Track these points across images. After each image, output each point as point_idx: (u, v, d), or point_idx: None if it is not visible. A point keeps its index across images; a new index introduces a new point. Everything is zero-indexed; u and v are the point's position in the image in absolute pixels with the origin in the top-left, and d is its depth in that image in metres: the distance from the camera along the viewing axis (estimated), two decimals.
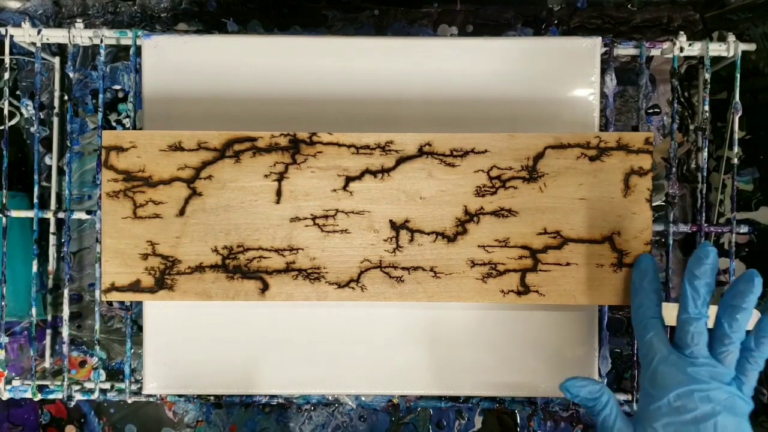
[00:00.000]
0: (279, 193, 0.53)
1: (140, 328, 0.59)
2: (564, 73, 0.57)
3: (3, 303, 0.59)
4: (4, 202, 0.59)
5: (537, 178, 0.53)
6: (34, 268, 0.59)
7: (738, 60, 0.58)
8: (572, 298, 0.53)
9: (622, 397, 0.59)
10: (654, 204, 0.55)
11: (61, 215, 0.60)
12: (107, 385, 0.61)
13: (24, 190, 0.67)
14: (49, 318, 0.68)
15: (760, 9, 0.63)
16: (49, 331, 0.67)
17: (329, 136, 0.53)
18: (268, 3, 0.68)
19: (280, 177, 0.53)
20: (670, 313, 0.55)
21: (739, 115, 0.59)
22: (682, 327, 0.46)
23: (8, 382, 0.60)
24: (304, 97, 0.57)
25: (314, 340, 0.57)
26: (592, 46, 0.57)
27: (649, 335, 0.47)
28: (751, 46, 0.59)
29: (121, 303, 0.67)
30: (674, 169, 0.58)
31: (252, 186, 0.53)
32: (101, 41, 0.59)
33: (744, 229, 0.59)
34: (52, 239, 0.66)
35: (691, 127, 0.67)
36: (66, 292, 0.59)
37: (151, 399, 0.60)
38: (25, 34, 0.59)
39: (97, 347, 0.60)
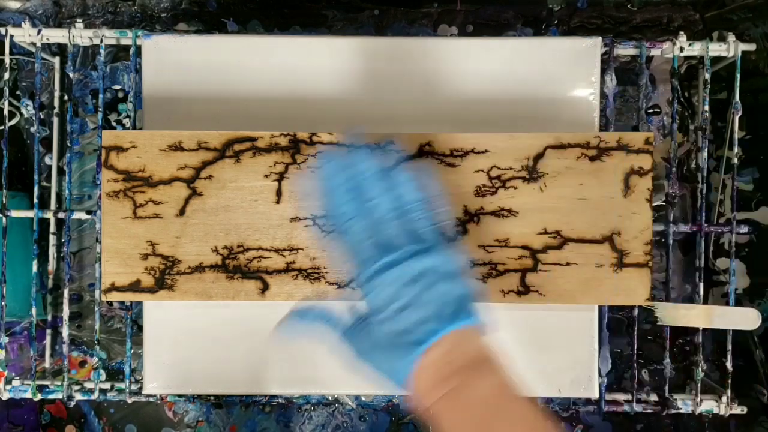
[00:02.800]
0: (279, 193, 0.53)
1: (140, 328, 0.59)
2: (564, 73, 0.57)
3: (3, 303, 0.59)
4: (4, 202, 0.59)
5: (537, 178, 0.53)
6: (34, 268, 0.59)
7: (738, 60, 0.58)
8: (572, 298, 0.53)
9: (622, 397, 0.59)
10: (654, 204, 0.55)
11: (61, 215, 0.60)
12: (107, 385, 0.61)
13: (24, 190, 0.67)
14: (49, 318, 0.68)
15: (760, 9, 0.63)
16: (49, 331, 0.67)
17: (329, 136, 0.53)
18: (268, 3, 0.68)
19: (280, 177, 0.53)
20: (669, 313, 0.55)
21: (739, 115, 0.59)
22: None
23: (8, 382, 0.60)
24: (304, 97, 0.57)
25: (314, 340, 0.57)
26: (592, 46, 0.57)
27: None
28: (751, 46, 0.59)
29: (121, 303, 0.67)
30: (674, 169, 0.58)
31: (252, 186, 0.53)
32: (101, 41, 0.59)
33: (744, 229, 0.59)
34: (52, 239, 0.66)
35: (691, 127, 0.67)
36: (66, 292, 0.59)
37: (151, 399, 0.60)
38: (25, 34, 0.59)
39: (97, 347, 0.60)
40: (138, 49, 0.58)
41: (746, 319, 0.54)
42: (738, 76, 0.58)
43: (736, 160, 0.59)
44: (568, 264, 0.53)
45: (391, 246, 0.40)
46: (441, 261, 0.40)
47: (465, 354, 0.39)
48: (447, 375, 0.38)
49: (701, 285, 0.59)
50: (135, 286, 0.53)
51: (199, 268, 0.53)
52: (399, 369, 0.39)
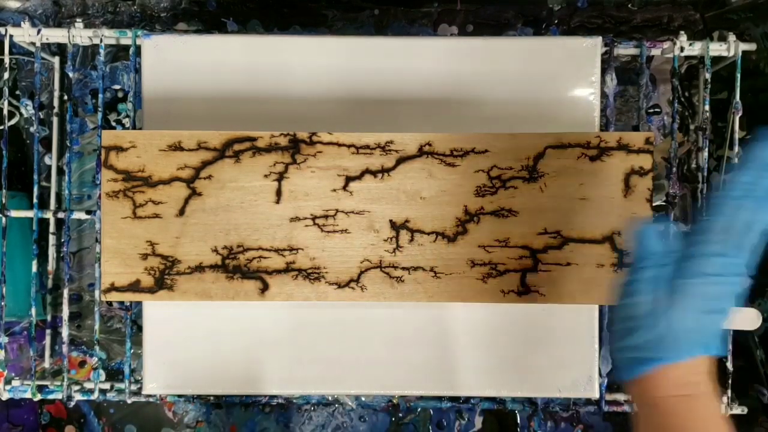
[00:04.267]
0: (279, 193, 0.53)
1: (140, 328, 0.59)
2: (564, 73, 0.57)
3: (3, 303, 0.59)
4: (3, 202, 0.59)
5: (537, 178, 0.52)
6: (34, 268, 0.59)
7: (738, 60, 0.58)
8: (572, 298, 0.53)
9: (622, 397, 0.59)
10: (654, 204, 0.55)
11: (60, 215, 0.60)
12: (107, 386, 0.61)
13: (24, 190, 0.67)
14: (49, 318, 0.68)
15: (760, 9, 0.63)
16: (48, 331, 0.67)
17: (329, 136, 0.52)
18: (268, 3, 0.68)
19: (280, 177, 0.52)
20: None
21: (740, 114, 0.59)
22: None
23: (8, 382, 0.60)
24: (304, 97, 0.57)
25: (314, 340, 0.57)
26: (593, 45, 0.57)
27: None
28: (752, 46, 0.59)
29: (121, 303, 0.67)
30: (675, 169, 0.58)
31: (252, 186, 0.52)
32: (101, 41, 0.59)
33: None
34: (52, 239, 0.66)
35: (692, 126, 0.67)
36: (66, 292, 0.59)
37: (151, 399, 0.60)
38: (24, 34, 0.59)
39: (97, 347, 0.60)
40: (138, 48, 0.58)
41: (747, 319, 0.54)
42: (738, 75, 0.58)
43: (736, 160, 0.59)
44: (568, 264, 0.53)
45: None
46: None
47: (703, 375, 0.39)
48: (688, 384, 0.38)
49: None
50: (135, 286, 0.53)
51: (199, 268, 0.53)
52: (637, 369, 0.39)
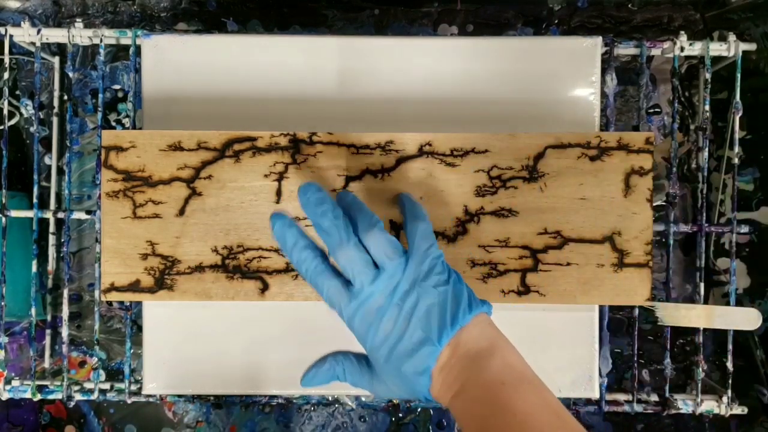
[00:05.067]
0: (279, 193, 0.53)
1: (140, 328, 0.59)
2: (564, 72, 0.57)
3: (3, 303, 0.59)
4: (3, 202, 0.59)
5: (537, 178, 0.52)
6: (34, 268, 0.59)
7: (738, 60, 0.58)
8: (572, 298, 0.53)
9: (622, 397, 0.59)
10: (655, 204, 0.55)
11: (60, 215, 0.60)
12: (107, 386, 0.61)
13: (23, 190, 0.67)
14: (49, 318, 0.68)
15: (760, 9, 0.63)
16: (48, 331, 0.67)
17: (329, 136, 0.52)
18: (268, 2, 0.68)
19: (280, 177, 0.52)
20: (670, 313, 0.55)
21: (740, 114, 0.59)
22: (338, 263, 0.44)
23: (8, 382, 0.60)
24: (304, 97, 0.57)
25: (314, 340, 0.57)
26: (593, 45, 0.57)
27: (325, 293, 0.45)
28: (752, 46, 0.59)
29: (121, 303, 0.67)
30: (675, 169, 0.58)
31: (252, 186, 0.52)
32: (101, 41, 0.59)
33: (744, 229, 0.59)
34: (52, 239, 0.66)
35: (692, 126, 0.67)
36: (65, 292, 0.59)
37: (151, 399, 0.60)
38: (24, 34, 0.59)
39: (97, 347, 0.60)
40: (138, 48, 0.58)
41: (747, 319, 0.54)
42: (738, 75, 0.58)
43: (736, 160, 0.59)
44: (568, 264, 0.53)
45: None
46: (420, 269, 0.41)
47: (468, 349, 0.39)
48: (455, 375, 0.39)
49: (702, 285, 0.59)
50: (134, 286, 0.53)
51: (199, 268, 0.53)
52: (418, 389, 0.41)
